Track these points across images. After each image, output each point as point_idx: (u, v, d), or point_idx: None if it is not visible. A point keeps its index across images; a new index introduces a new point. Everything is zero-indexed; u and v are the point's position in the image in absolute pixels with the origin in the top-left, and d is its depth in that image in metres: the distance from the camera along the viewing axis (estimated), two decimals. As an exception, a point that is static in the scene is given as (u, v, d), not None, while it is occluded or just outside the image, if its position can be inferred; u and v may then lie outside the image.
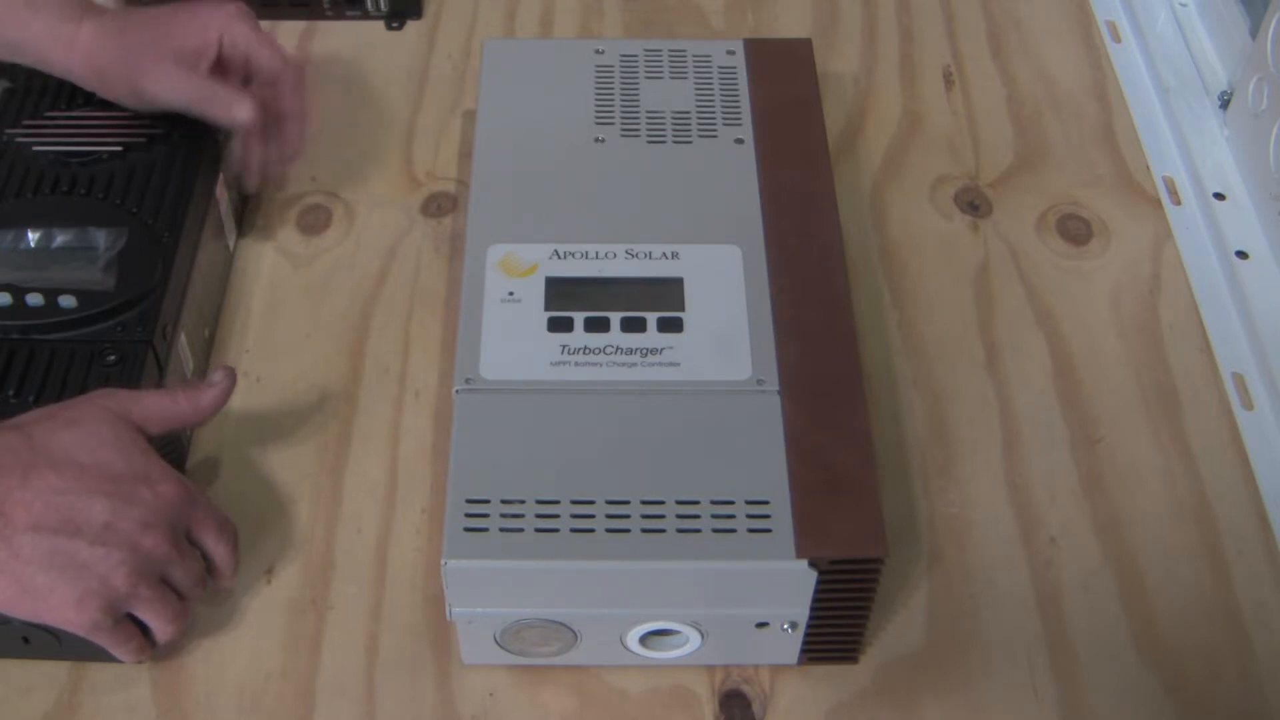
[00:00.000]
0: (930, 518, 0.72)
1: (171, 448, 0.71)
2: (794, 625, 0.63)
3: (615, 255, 0.71)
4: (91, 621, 0.59)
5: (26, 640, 0.64)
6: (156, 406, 0.64)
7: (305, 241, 0.84)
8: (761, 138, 0.77)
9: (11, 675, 0.65)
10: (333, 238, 0.85)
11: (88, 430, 0.61)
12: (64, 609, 0.59)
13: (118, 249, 0.72)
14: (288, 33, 0.97)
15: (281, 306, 0.81)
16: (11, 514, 0.57)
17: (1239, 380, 0.78)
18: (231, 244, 0.83)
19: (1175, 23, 1.00)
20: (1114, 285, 0.83)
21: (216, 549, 0.65)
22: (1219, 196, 0.88)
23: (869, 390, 0.68)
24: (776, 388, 0.65)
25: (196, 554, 0.64)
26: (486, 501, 0.61)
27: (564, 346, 0.67)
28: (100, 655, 0.63)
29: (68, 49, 0.76)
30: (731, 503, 0.61)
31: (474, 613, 0.62)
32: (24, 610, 0.59)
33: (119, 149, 0.77)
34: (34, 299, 0.70)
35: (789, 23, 0.99)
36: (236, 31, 0.78)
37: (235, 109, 0.76)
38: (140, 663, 0.65)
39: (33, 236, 0.73)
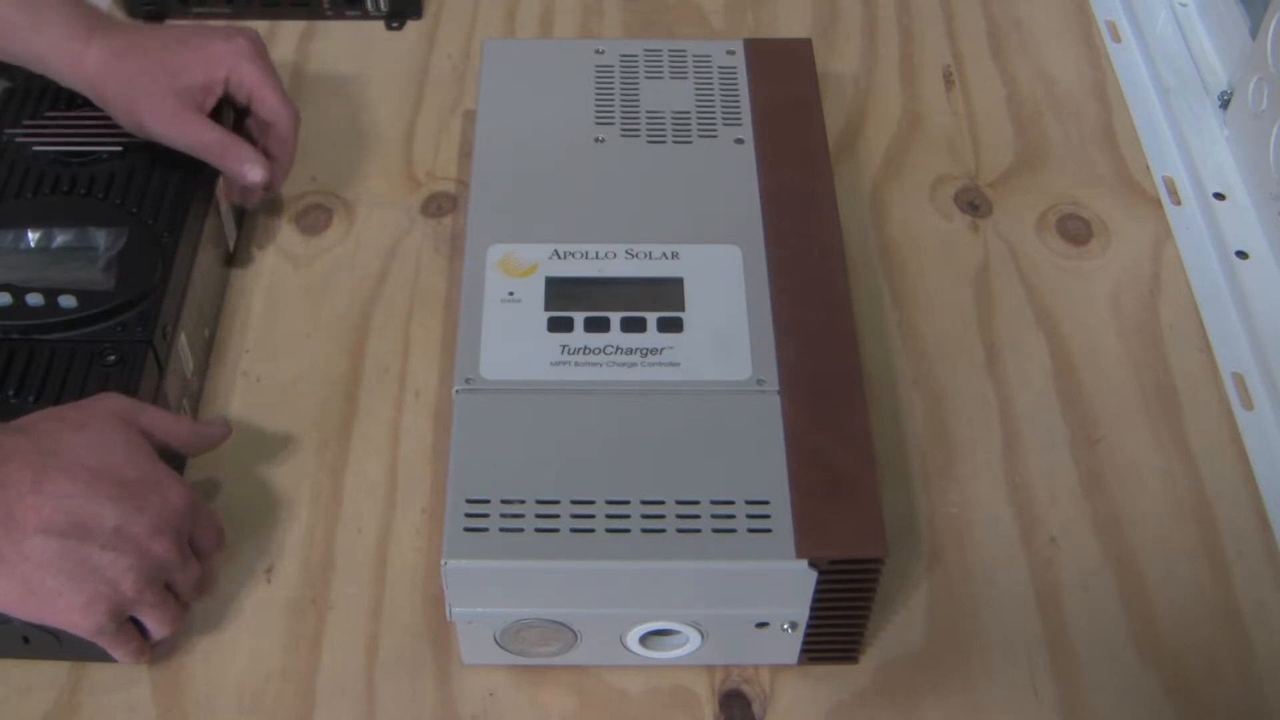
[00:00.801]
0: (930, 518, 0.72)
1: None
2: (794, 625, 0.63)
3: (615, 255, 0.71)
4: (96, 625, 0.59)
5: (26, 640, 0.64)
6: (160, 418, 0.65)
7: (305, 241, 0.84)
8: (761, 138, 0.77)
9: (11, 675, 0.65)
10: (333, 238, 0.85)
11: (97, 433, 0.61)
12: (70, 612, 0.59)
13: (118, 249, 0.72)
14: (288, 33, 0.97)
15: (281, 306, 0.81)
16: (22, 517, 0.57)
17: (1239, 380, 0.78)
18: (231, 244, 0.83)
19: (1175, 23, 1.00)
20: (1114, 285, 0.83)
21: (214, 555, 0.65)
22: (1219, 196, 0.88)
23: (869, 390, 0.68)
24: (776, 388, 0.65)
25: (195, 559, 0.64)
26: (486, 501, 0.61)
27: (564, 346, 0.67)
28: (100, 655, 0.63)
29: (74, 68, 0.75)
30: (731, 503, 0.61)
31: (474, 613, 0.62)
32: (30, 612, 0.59)
33: (119, 149, 0.77)
34: (34, 299, 0.69)
35: (789, 23, 0.99)
36: (244, 71, 0.77)
37: (248, 169, 0.76)
38: (139, 663, 0.65)
39: (33, 236, 0.73)
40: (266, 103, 0.79)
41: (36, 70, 0.77)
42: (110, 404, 0.63)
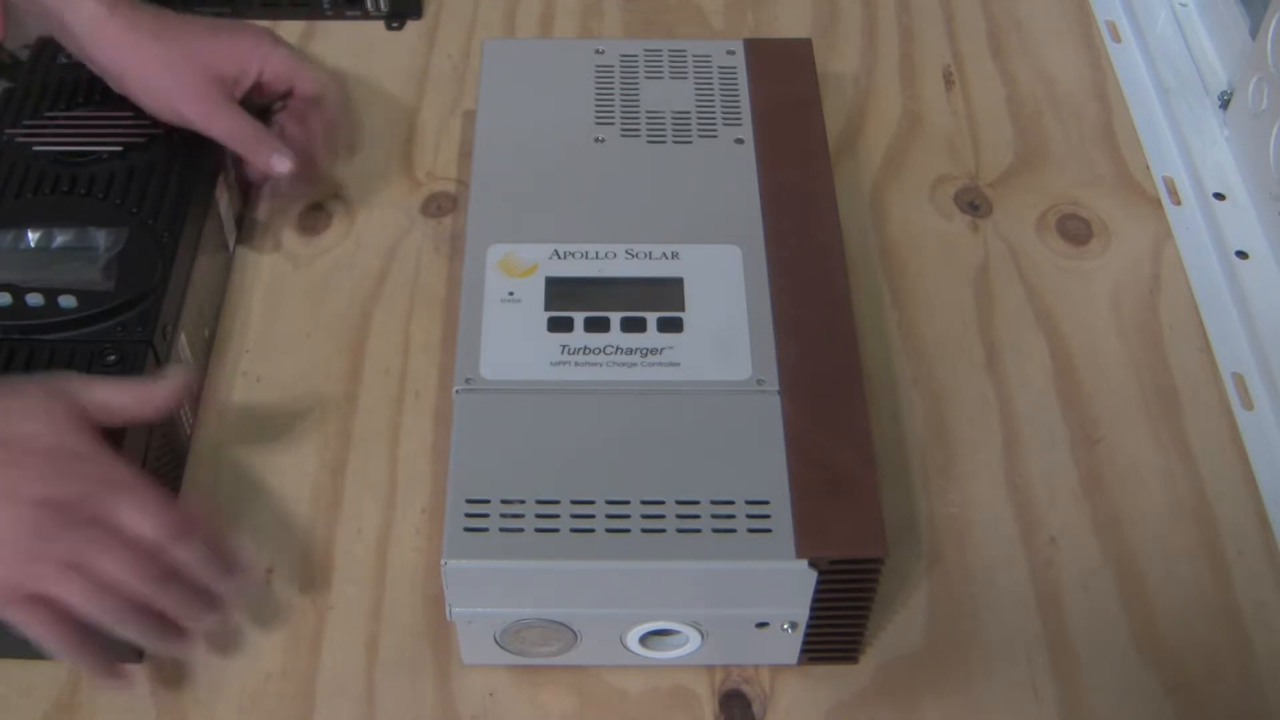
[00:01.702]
0: (930, 518, 0.72)
1: (170, 449, 0.71)
2: (794, 625, 0.63)
3: (615, 255, 0.71)
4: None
5: (27, 640, 0.64)
6: (107, 395, 0.63)
7: (305, 241, 0.84)
8: (761, 138, 0.77)
9: (11, 675, 0.65)
10: (333, 238, 0.85)
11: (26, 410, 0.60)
12: None
13: (118, 249, 0.72)
14: (287, 33, 0.96)
15: (281, 306, 0.81)
16: None
17: (1239, 380, 0.78)
18: (231, 244, 0.83)
19: (1175, 23, 1.00)
20: (1114, 285, 0.83)
21: (220, 566, 0.61)
22: (1219, 196, 0.88)
23: (869, 390, 0.68)
24: (776, 388, 0.65)
25: (140, 544, 0.59)
26: (486, 501, 0.61)
27: (564, 346, 0.67)
28: (100, 655, 0.63)
29: (95, 34, 0.75)
30: (731, 503, 0.61)
31: (474, 613, 0.62)
32: None
33: (119, 149, 0.77)
34: (34, 299, 0.69)
35: (789, 23, 0.99)
36: (277, 59, 0.79)
37: (275, 160, 0.78)
38: (116, 685, 0.61)
39: (33, 236, 0.73)
40: (309, 79, 0.80)
41: (53, 33, 0.77)
42: (52, 386, 0.62)
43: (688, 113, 0.79)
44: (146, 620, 0.60)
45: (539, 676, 0.66)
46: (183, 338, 0.73)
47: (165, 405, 0.65)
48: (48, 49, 0.83)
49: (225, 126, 0.77)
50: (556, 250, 0.71)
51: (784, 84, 0.81)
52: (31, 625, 0.58)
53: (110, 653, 0.61)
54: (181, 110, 0.76)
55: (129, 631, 0.59)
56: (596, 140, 0.77)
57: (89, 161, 0.77)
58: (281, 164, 0.78)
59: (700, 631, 0.63)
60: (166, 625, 0.60)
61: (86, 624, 0.59)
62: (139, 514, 0.59)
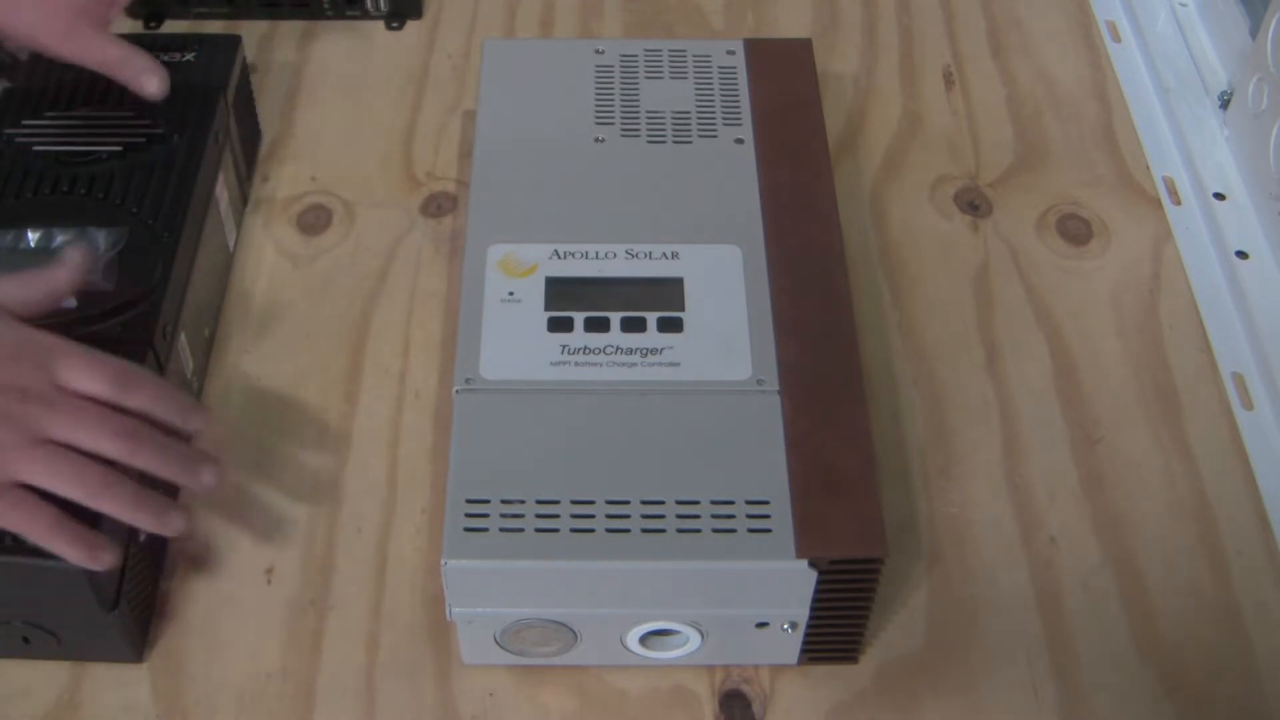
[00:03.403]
0: (930, 518, 0.72)
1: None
2: (794, 625, 0.63)
3: (615, 255, 0.71)
4: None
5: (26, 640, 0.64)
6: (9, 291, 0.63)
7: (305, 241, 0.84)
8: (761, 138, 0.77)
9: (11, 675, 0.65)
10: (333, 238, 0.85)
11: None
12: None
13: (118, 249, 0.72)
14: (288, 33, 0.97)
15: (281, 306, 0.81)
16: None
17: (1239, 380, 0.78)
18: (231, 244, 0.83)
19: (1175, 23, 1.00)
20: (1114, 285, 0.83)
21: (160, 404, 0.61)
22: (1219, 196, 0.88)
23: (869, 390, 0.68)
24: (776, 388, 0.65)
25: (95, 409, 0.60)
26: (486, 501, 0.61)
27: (564, 346, 0.67)
28: (100, 655, 0.63)
29: None
30: (731, 503, 0.61)
31: (474, 613, 0.62)
32: None
33: (119, 149, 0.77)
34: (34, 299, 0.69)
35: (789, 23, 0.99)
36: None
37: (146, 81, 0.76)
38: (100, 566, 0.59)
39: (33, 236, 0.73)
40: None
41: None
42: None
43: (688, 113, 0.79)
44: (124, 492, 0.59)
45: (539, 676, 0.66)
46: (183, 338, 0.73)
47: (68, 284, 0.65)
48: (48, 49, 0.83)
49: (99, 58, 0.75)
50: (556, 250, 0.71)
51: (784, 84, 0.81)
52: (9, 516, 0.58)
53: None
54: (39, 40, 0.74)
55: (110, 505, 0.59)
56: (596, 140, 0.77)
57: (89, 161, 0.77)
58: (152, 84, 0.76)
59: (700, 631, 0.63)
60: (145, 498, 0.60)
61: (66, 514, 0.58)
62: (82, 372, 0.60)
